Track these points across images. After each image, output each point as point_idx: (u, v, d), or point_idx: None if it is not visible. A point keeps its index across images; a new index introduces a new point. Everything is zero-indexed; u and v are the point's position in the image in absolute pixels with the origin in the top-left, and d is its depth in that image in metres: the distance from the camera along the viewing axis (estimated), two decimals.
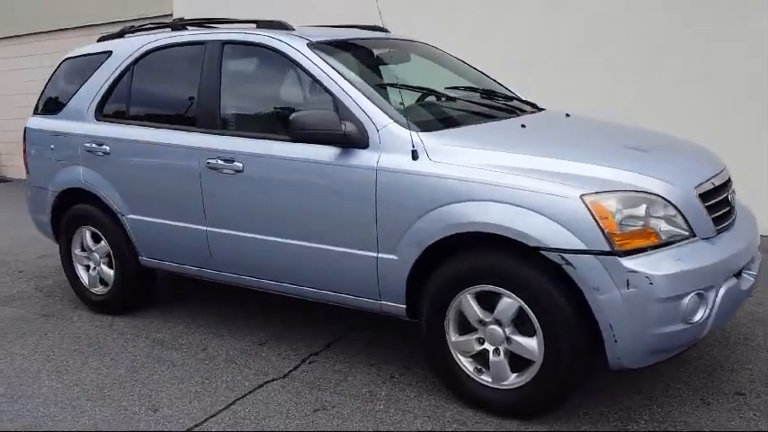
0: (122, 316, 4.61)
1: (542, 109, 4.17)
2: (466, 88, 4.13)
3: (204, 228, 3.95)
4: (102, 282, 4.66)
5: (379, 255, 3.31)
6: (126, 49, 4.42)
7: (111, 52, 4.50)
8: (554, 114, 4.00)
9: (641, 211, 2.84)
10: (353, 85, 3.48)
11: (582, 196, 2.81)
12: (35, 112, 4.97)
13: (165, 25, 4.55)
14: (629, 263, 2.74)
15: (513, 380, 3.08)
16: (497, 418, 3.12)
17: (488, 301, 3.09)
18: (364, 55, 4.08)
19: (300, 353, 3.92)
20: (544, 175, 2.95)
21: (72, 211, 4.67)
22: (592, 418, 3.10)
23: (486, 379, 3.15)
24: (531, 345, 2.98)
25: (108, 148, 4.32)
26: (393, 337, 4.06)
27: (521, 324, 3.02)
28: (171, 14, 9.56)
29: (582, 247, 2.77)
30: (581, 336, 2.89)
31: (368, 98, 3.43)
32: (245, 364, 3.82)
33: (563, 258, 2.80)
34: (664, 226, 2.87)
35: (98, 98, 4.48)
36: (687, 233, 2.92)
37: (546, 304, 2.89)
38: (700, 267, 2.85)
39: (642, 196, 2.86)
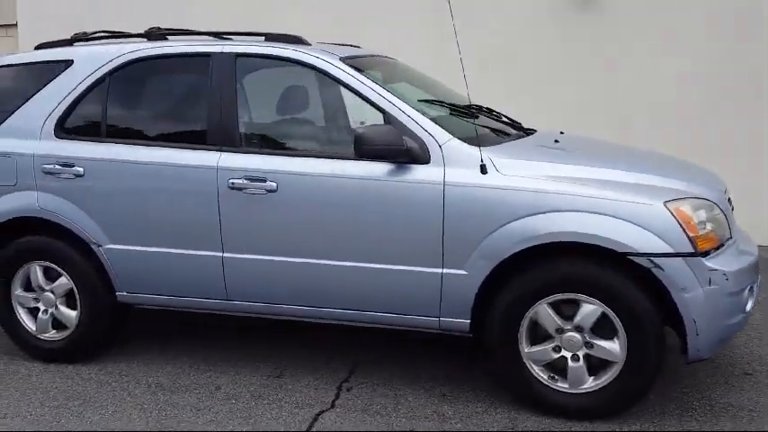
0: (84, 364, 4.00)
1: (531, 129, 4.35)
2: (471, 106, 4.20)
3: (219, 254, 3.60)
4: (57, 326, 4.01)
5: (445, 270, 3.27)
6: (93, 58, 3.89)
7: (72, 61, 3.92)
8: (552, 132, 4.23)
9: (704, 215, 3.14)
10: (406, 102, 3.42)
11: (665, 203, 3.04)
12: None
13: (134, 35, 4.07)
14: (709, 262, 3.02)
15: (590, 383, 3.21)
16: (576, 422, 3.22)
17: (562, 309, 3.19)
18: (386, 71, 4.01)
19: (328, 380, 3.71)
20: (616, 185, 3.15)
21: (15, 246, 3.97)
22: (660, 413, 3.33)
23: (562, 386, 3.25)
24: (613, 347, 3.14)
25: (81, 169, 3.76)
26: (402, 355, 4.00)
27: (598, 328, 3.16)
28: (15, 24, 8.54)
29: (669, 250, 3.00)
30: (662, 334, 3.10)
31: (422, 114, 3.39)
32: (278, 398, 3.53)
33: (652, 262, 3.01)
34: (719, 229, 3.19)
35: (58, 113, 3.87)
36: (729, 235, 3.28)
37: (630, 307, 3.07)
38: (750, 264, 3.22)
39: (704, 202, 3.17)
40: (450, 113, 3.77)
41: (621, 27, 6.41)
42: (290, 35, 3.76)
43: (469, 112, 3.78)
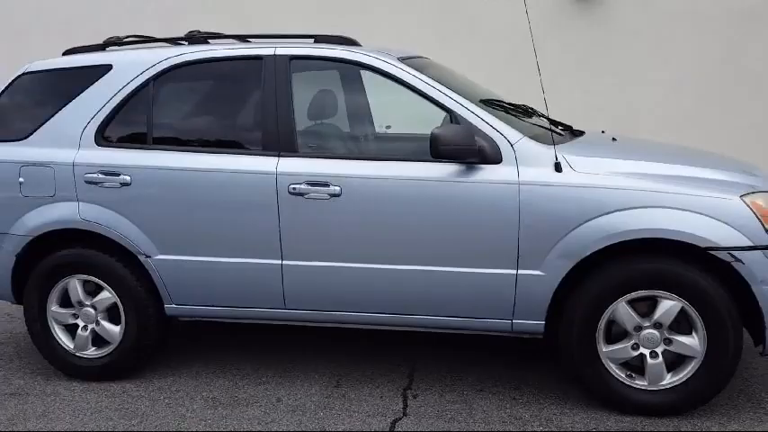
0: (126, 380, 3.83)
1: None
2: (519, 106, 4.16)
3: (278, 262, 3.49)
4: (98, 342, 3.83)
5: (520, 272, 3.24)
6: (134, 62, 3.73)
7: (111, 66, 3.76)
8: (597, 133, 4.22)
9: None
10: (473, 102, 3.38)
11: (742, 197, 3.06)
12: None
13: (171, 39, 3.94)
14: None
15: (669, 379, 3.21)
16: (657, 418, 3.21)
17: (636, 307, 3.18)
18: (434, 71, 3.96)
19: (389, 388, 3.63)
20: (691, 181, 3.17)
21: (53, 260, 3.78)
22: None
23: (640, 383, 3.23)
24: (692, 342, 3.14)
25: (128, 178, 3.60)
26: (454, 359, 3.94)
27: (675, 324, 3.16)
28: None
29: (749, 243, 3.02)
30: (740, 327, 3.12)
31: (491, 114, 3.36)
32: (345, 408, 3.43)
33: (732, 256, 3.02)
34: None
35: (98, 120, 3.71)
36: None
37: (710, 301, 3.08)
38: None
39: None
40: (506, 113, 3.73)
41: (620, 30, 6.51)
42: (340, 36, 3.69)
43: (524, 111, 3.76)
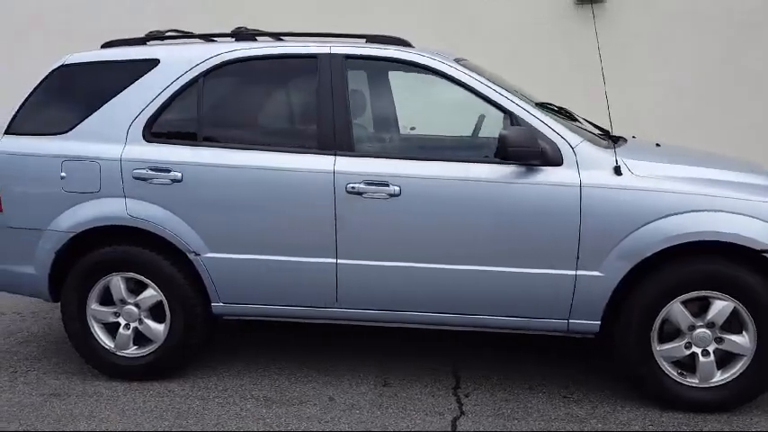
0: (169, 380, 3.78)
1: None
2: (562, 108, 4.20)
3: (333, 260, 3.49)
4: (140, 341, 3.77)
5: (579, 272, 3.31)
6: (183, 58, 3.68)
7: (158, 61, 3.70)
8: (634, 138, 4.31)
9: None
10: (532, 105, 3.44)
11: None
12: (9, 131, 3.83)
13: (216, 35, 3.90)
14: None
15: (719, 377, 3.32)
16: (707, 414, 3.32)
17: (688, 307, 3.29)
18: (488, 73, 4.00)
19: (438, 387, 3.67)
20: (741, 186, 3.29)
21: (96, 257, 3.70)
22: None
23: (692, 381, 3.34)
24: (743, 341, 3.26)
25: (179, 174, 3.55)
26: (496, 358, 4.00)
27: (726, 323, 3.28)
28: None
29: None
30: None
31: (550, 117, 3.42)
32: (400, 407, 3.46)
33: None
34: None
35: (146, 115, 3.65)
36: None
37: (762, 302, 3.20)
38: None
39: None
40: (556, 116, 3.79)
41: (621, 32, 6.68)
42: (392, 37, 3.71)
43: (567, 115, 3.84)
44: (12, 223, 3.78)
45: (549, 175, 3.31)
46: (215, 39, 3.90)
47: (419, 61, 3.53)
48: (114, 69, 3.78)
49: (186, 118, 3.67)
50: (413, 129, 4.62)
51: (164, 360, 3.75)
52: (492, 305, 3.44)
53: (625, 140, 3.92)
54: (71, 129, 3.73)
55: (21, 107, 3.83)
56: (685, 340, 3.32)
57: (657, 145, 3.91)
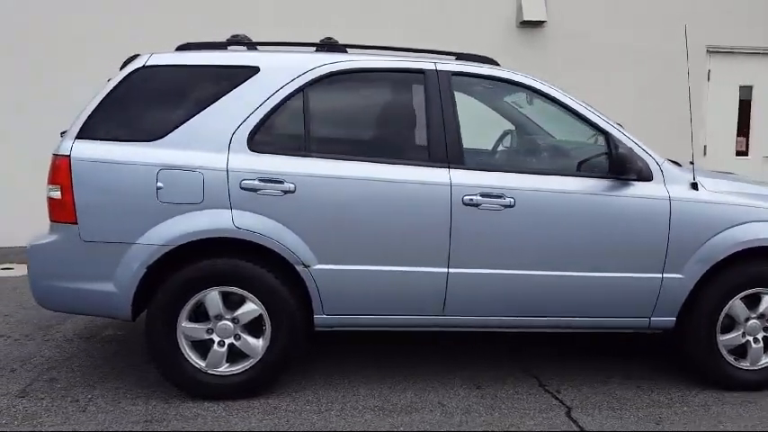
0: (263, 396, 3.67)
1: None
2: None
3: (444, 270, 3.63)
4: (234, 358, 3.62)
5: (665, 275, 3.77)
6: (285, 66, 3.61)
7: (258, 68, 3.59)
8: None
9: None
10: (619, 125, 3.84)
11: None
12: (82, 136, 3.50)
13: (301, 44, 3.86)
14: None
15: (764, 360, 3.95)
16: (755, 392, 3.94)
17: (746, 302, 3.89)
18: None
19: (527, 387, 3.92)
20: None
21: (193, 271, 3.51)
22: None
23: (744, 364, 3.93)
24: None
25: (292, 185, 3.49)
26: (560, 357, 4.37)
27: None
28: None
29: None
30: None
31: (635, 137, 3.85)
32: (514, 407, 3.65)
33: None
34: None
35: (250, 124, 3.53)
36: None
37: None
38: None
39: None
40: None
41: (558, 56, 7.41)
42: (480, 55, 3.94)
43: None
44: (88, 237, 3.46)
45: (642, 189, 3.73)
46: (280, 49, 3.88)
47: (521, 81, 3.80)
48: (209, 74, 3.62)
49: (291, 128, 3.61)
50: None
51: (261, 376, 3.63)
52: (585, 307, 3.79)
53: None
54: (164, 135, 3.51)
55: (95, 110, 3.52)
56: (741, 330, 3.90)
57: (691, 163, 4.48)
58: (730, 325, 3.91)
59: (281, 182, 3.49)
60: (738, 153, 8.55)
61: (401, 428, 3.39)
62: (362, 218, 3.57)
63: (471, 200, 3.58)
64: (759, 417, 3.61)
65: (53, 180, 3.49)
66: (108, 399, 3.63)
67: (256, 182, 3.48)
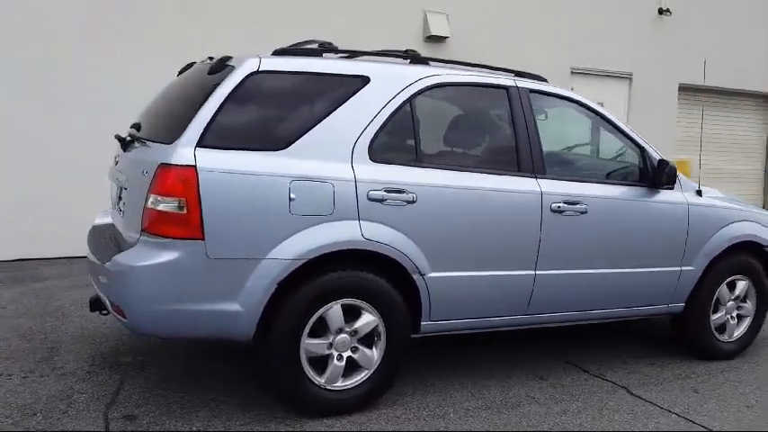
0: (374, 408, 3.67)
1: None
2: None
3: (531, 272, 3.96)
4: (347, 372, 3.57)
5: (683, 268, 4.50)
6: (392, 77, 3.64)
7: (369, 78, 3.58)
8: None
9: None
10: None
11: None
12: (203, 144, 3.21)
13: (387, 53, 3.91)
14: None
15: (736, 333, 4.88)
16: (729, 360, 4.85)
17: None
18: None
19: (574, 373, 4.40)
20: (745, 204, 4.92)
21: (321, 284, 3.40)
22: None
23: (724, 338, 4.82)
24: (749, 306, 4.89)
25: (413, 195, 3.55)
26: (581, 351, 4.92)
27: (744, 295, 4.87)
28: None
29: None
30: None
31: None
32: (584, 392, 4.09)
33: None
34: None
35: (369, 134, 3.51)
36: None
37: (759, 278, 4.87)
38: None
39: None
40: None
41: None
42: (533, 73, 4.33)
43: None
44: (217, 254, 3.20)
45: (668, 195, 4.41)
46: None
47: (581, 100, 4.27)
48: (323, 82, 3.52)
49: (404, 138, 3.67)
50: None
51: (377, 387, 3.64)
52: (632, 299, 4.39)
53: None
54: (289, 145, 3.36)
55: (214, 116, 3.25)
56: (724, 311, 4.78)
57: None
58: (716, 307, 4.76)
59: (403, 192, 3.53)
60: None
61: (523, 422, 3.64)
62: (472, 226, 3.75)
63: (558, 207, 3.95)
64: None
65: (169, 191, 3.15)
66: (218, 427, 3.36)
67: (383, 192, 3.48)
